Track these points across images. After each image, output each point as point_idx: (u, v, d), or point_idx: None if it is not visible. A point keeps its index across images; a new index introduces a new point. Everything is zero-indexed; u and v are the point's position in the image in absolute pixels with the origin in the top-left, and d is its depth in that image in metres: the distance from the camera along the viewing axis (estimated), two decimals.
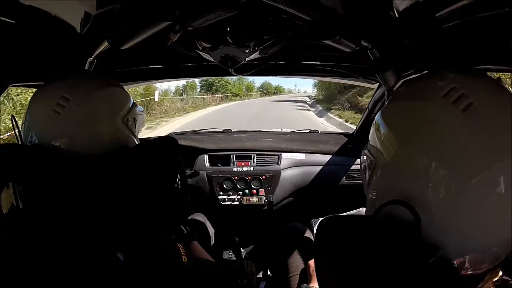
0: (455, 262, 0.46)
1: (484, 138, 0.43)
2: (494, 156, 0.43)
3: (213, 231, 1.30)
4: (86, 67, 1.02)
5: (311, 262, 0.99)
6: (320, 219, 0.60)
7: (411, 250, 0.45)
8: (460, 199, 0.44)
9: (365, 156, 0.59)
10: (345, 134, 1.90)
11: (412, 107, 0.51)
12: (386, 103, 0.60)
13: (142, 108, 0.87)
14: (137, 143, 0.84)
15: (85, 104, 0.71)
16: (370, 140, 0.59)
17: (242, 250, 1.38)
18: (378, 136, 0.55)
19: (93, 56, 0.99)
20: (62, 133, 0.70)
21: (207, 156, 1.62)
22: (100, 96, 0.74)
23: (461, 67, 0.76)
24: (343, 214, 0.82)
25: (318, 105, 15.45)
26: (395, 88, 1.20)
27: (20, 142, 0.73)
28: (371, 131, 0.59)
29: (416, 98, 0.51)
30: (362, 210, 0.95)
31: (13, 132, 0.76)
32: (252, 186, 1.58)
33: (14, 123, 0.74)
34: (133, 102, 0.83)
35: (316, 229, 0.55)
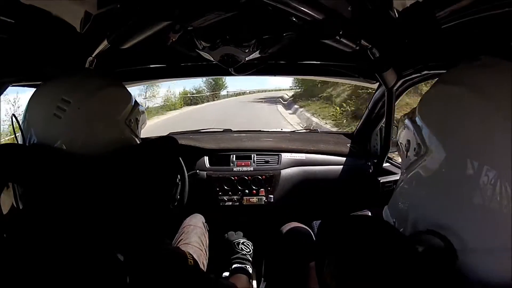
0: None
1: None
2: None
3: (206, 237, 1.30)
4: (86, 67, 1.02)
5: (312, 263, 0.99)
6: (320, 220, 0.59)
7: (425, 257, 0.44)
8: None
9: (411, 132, 0.52)
10: (345, 134, 1.90)
11: (481, 106, 0.42)
12: (438, 80, 0.52)
13: (144, 107, 0.86)
14: (138, 141, 0.83)
15: (86, 107, 0.70)
16: (422, 120, 0.50)
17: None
18: (431, 123, 0.48)
19: (93, 56, 0.99)
20: (63, 136, 0.69)
21: (207, 155, 1.62)
22: (101, 97, 0.73)
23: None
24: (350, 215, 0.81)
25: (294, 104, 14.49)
26: (395, 88, 1.21)
27: (21, 142, 0.72)
28: (422, 106, 0.51)
29: (488, 96, 0.42)
30: (367, 212, 0.95)
31: (13, 133, 0.76)
32: (252, 186, 1.58)
33: (17, 123, 0.73)
34: (135, 101, 0.82)
35: (318, 230, 0.55)
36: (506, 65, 0.45)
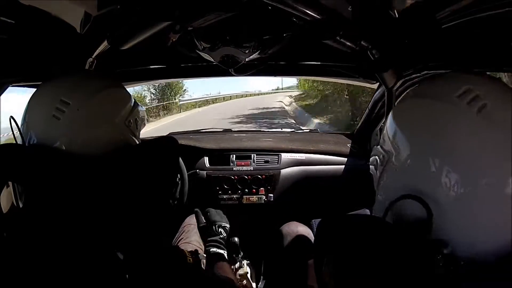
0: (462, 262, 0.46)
1: (497, 139, 0.44)
2: (506, 157, 0.43)
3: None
4: (86, 68, 1.02)
5: (311, 262, 0.99)
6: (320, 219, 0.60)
7: (418, 247, 0.45)
8: (470, 197, 0.45)
9: (377, 152, 0.59)
10: (345, 134, 1.90)
11: (426, 105, 0.51)
12: (398, 100, 0.60)
13: (143, 108, 0.86)
14: (137, 142, 0.83)
15: (85, 108, 0.70)
16: (383, 135, 0.59)
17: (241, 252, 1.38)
18: (390, 132, 0.55)
19: (93, 56, 0.99)
20: (62, 137, 0.68)
21: (207, 155, 1.62)
22: (100, 98, 0.73)
23: (463, 66, 0.77)
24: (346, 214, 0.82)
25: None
26: (395, 88, 1.20)
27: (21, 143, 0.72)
28: (386, 126, 0.59)
29: (430, 97, 0.51)
30: (366, 211, 0.95)
31: (12, 133, 0.75)
32: (252, 186, 1.58)
33: (15, 125, 0.73)
34: (134, 101, 0.82)
35: (317, 229, 0.56)
36: (451, 73, 0.57)
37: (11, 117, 0.74)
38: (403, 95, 0.61)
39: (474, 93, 0.46)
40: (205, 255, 0.98)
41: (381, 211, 0.55)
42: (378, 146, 0.59)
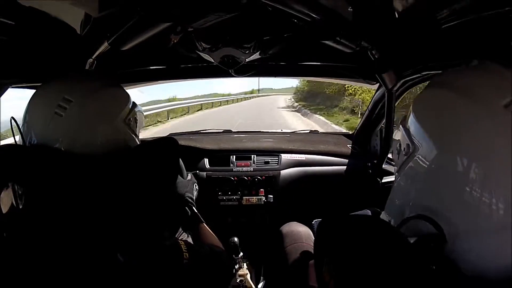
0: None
1: None
2: None
3: None
4: (86, 68, 1.02)
5: (311, 262, 0.99)
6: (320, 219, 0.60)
7: (419, 251, 0.45)
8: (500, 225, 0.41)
9: (403, 137, 0.55)
10: (345, 135, 1.90)
11: (464, 105, 0.45)
12: (428, 84, 0.55)
13: (141, 107, 0.86)
14: (138, 143, 0.83)
15: (87, 106, 0.70)
16: (410, 122, 0.54)
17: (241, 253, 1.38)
18: (418, 122, 0.51)
19: (93, 57, 0.99)
20: (63, 134, 0.69)
21: (207, 156, 1.62)
22: (102, 96, 0.74)
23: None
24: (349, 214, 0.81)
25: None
26: (395, 89, 1.21)
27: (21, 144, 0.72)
28: (412, 110, 0.54)
29: (471, 95, 0.45)
30: (367, 212, 0.95)
31: (12, 135, 0.75)
32: (252, 187, 1.58)
33: (16, 125, 0.73)
34: (133, 102, 0.83)
35: (317, 229, 0.55)
36: (493, 67, 0.48)
37: (12, 117, 0.74)
38: (434, 80, 0.55)
39: None
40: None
41: (394, 216, 0.55)
42: (403, 132, 0.55)
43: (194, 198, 1.06)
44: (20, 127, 0.73)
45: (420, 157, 0.50)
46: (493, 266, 0.43)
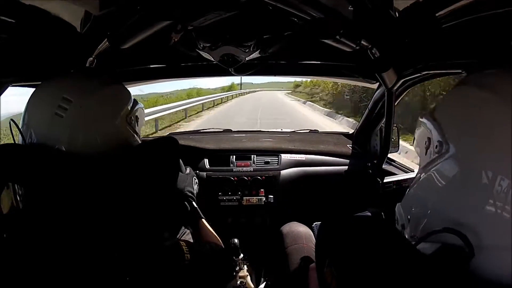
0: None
1: None
2: None
3: None
4: (87, 66, 1.02)
5: (312, 264, 0.99)
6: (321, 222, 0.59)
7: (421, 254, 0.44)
8: None
9: (432, 129, 0.51)
10: (345, 134, 1.90)
11: (505, 111, 0.41)
12: (464, 81, 0.51)
13: (142, 105, 0.86)
14: (139, 141, 0.83)
15: (87, 105, 0.70)
16: (446, 119, 0.50)
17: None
18: (455, 122, 0.48)
19: (93, 56, 0.99)
20: (64, 135, 0.68)
21: (207, 156, 1.62)
22: (102, 95, 0.73)
23: (463, 67, 0.76)
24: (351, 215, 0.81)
25: None
26: (395, 88, 1.21)
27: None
28: (446, 106, 0.51)
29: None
30: (367, 213, 0.95)
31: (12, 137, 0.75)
32: (252, 187, 1.58)
33: (16, 127, 0.72)
34: (134, 100, 0.82)
35: (319, 230, 0.55)
36: None
37: (11, 119, 0.73)
38: (478, 77, 0.50)
39: None
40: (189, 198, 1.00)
41: (410, 215, 0.53)
42: (434, 126, 0.51)
43: (195, 192, 1.05)
44: (20, 127, 0.73)
45: (451, 159, 0.46)
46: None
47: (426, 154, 0.53)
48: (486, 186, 0.41)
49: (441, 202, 0.48)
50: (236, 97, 27.27)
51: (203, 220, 0.98)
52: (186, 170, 1.10)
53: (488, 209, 0.41)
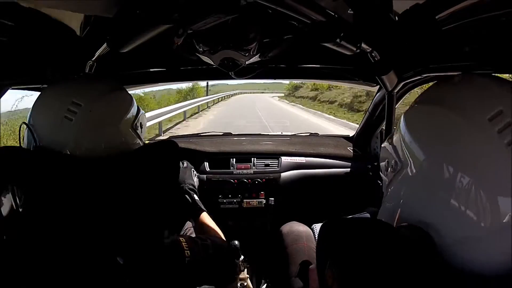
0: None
1: None
2: None
3: None
4: (86, 70, 1.02)
5: (313, 266, 0.98)
6: (321, 223, 0.60)
7: (419, 251, 0.45)
8: (487, 237, 0.43)
9: (388, 155, 0.57)
10: (345, 137, 1.90)
11: (451, 119, 0.47)
12: (418, 100, 0.56)
13: (143, 112, 0.87)
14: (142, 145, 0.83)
15: (96, 110, 0.71)
16: (397, 140, 0.55)
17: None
18: (406, 137, 0.52)
19: (93, 59, 0.99)
20: (73, 138, 0.69)
21: (207, 159, 1.62)
22: (110, 100, 0.74)
23: (463, 69, 0.76)
24: (349, 217, 0.82)
25: None
26: (395, 91, 1.20)
27: (25, 147, 0.72)
28: (400, 126, 0.55)
29: (456, 109, 0.46)
30: (366, 214, 0.94)
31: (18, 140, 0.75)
32: (252, 189, 1.57)
33: (30, 130, 0.72)
34: (137, 106, 0.83)
35: (319, 232, 0.55)
36: (478, 80, 0.51)
37: (24, 122, 0.73)
38: (422, 95, 0.56)
39: (506, 118, 0.42)
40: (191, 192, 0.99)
41: (387, 218, 0.55)
42: (390, 149, 0.56)
43: (196, 184, 1.05)
44: (26, 130, 0.73)
45: (409, 171, 0.51)
46: (483, 270, 0.44)
47: (386, 176, 0.59)
48: (440, 189, 0.46)
49: (405, 209, 0.53)
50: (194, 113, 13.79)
51: (205, 213, 0.98)
52: (184, 164, 1.09)
53: (447, 208, 0.45)
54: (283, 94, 34.14)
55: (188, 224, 1.30)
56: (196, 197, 1.00)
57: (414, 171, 0.50)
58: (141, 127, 0.83)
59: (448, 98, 0.50)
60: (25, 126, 0.72)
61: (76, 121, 0.68)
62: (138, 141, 0.81)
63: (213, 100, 20.42)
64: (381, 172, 0.62)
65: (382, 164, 0.61)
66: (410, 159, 0.51)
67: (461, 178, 0.43)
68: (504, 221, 0.42)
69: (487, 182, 0.43)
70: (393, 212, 0.55)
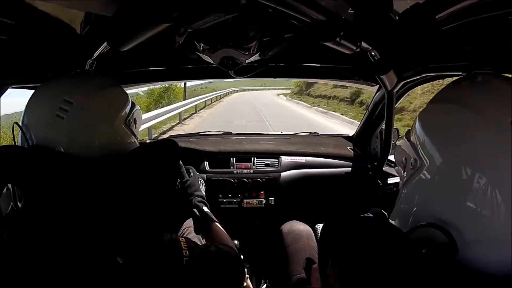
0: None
1: None
2: None
3: None
4: (86, 69, 1.02)
5: (315, 265, 0.98)
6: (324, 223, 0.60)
7: (423, 253, 0.45)
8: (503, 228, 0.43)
9: (408, 151, 0.56)
10: (345, 137, 1.90)
11: (473, 122, 0.47)
12: (437, 98, 0.56)
13: (139, 107, 0.86)
14: (137, 143, 0.83)
15: (88, 106, 0.70)
16: (418, 136, 0.55)
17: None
18: (427, 135, 0.53)
19: (93, 58, 0.99)
20: (65, 136, 0.68)
21: (207, 158, 1.62)
22: (102, 97, 0.73)
23: (463, 69, 0.77)
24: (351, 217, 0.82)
25: None
26: (395, 90, 1.21)
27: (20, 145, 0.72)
28: (416, 127, 0.56)
29: (478, 111, 0.46)
30: (369, 215, 0.95)
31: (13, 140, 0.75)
32: (252, 189, 1.57)
33: (20, 130, 0.72)
34: (132, 102, 0.82)
35: (321, 230, 0.55)
36: (496, 82, 0.51)
37: (16, 122, 0.73)
38: (443, 94, 0.56)
39: None
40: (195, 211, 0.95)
41: (401, 221, 0.56)
42: (408, 147, 0.56)
43: (204, 194, 1.02)
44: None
45: (428, 170, 0.51)
46: (499, 271, 0.44)
47: (404, 172, 0.59)
48: (460, 188, 0.46)
49: (423, 208, 0.52)
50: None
51: (215, 223, 0.95)
52: (190, 172, 1.06)
53: (467, 207, 0.45)
54: (289, 91, 29.06)
55: (187, 224, 1.30)
56: (206, 209, 0.97)
57: (432, 171, 0.50)
58: (135, 123, 0.82)
59: (468, 99, 0.50)
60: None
61: (68, 119, 0.68)
62: (133, 137, 0.81)
63: (205, 101, 15.76)
64: (397, 167, 0.62)
65: (399, 160, 0.60)
66: (430, 158, 0.51)
67: (478, 179, 0.44)
68: None
69: (503, 182, 0.43)
70: (409, 213, 0.55)
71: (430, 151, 0.51)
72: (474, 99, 0.49)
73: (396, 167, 0.63)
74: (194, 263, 0.67)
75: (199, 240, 1.19)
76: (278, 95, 29.01)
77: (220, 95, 22.86)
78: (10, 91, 0.95)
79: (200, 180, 1.07)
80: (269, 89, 40.97)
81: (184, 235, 1.21)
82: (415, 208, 0.54)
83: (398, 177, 1.45)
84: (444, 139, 0.50)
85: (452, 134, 0.49)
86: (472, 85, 0.54)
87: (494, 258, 0.45)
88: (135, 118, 0.81)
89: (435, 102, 0.57)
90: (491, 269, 0.44)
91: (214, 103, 18.70)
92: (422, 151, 0.53)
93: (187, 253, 0.66)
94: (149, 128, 6.75)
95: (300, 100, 20.47)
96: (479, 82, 0.54)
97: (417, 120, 0.57)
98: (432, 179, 0.50)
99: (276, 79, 1.49)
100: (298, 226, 1.22)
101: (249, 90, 38.09)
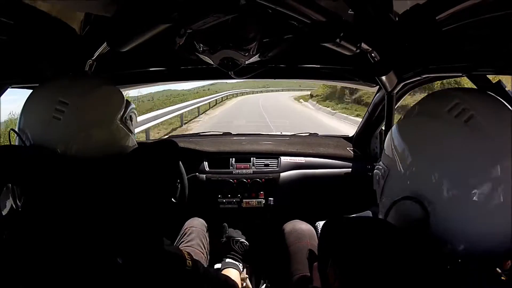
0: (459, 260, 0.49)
1: (484, 145, 0.48)
2: (492, 161, 0.48)
3: (207, 241, 1.29)
4: (86, 69, 1.02)
5: (315, 264, 0.98)
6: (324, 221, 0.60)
7: (419, 247, 0.46)
8: (463, 198, 0.49)
9: (379, 168, 0.63)
10: (345, 137, 1.90)
11: (422, 122, 0.57)
12: (400, 119, 0.65)
13: (134, 105, 0.86)
14: (134, 141, 0.83)
15: (84, 107, 0.70)
16: (384, 152, 0.63)
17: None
18: (392, 148, 0.60)
19: (93, 58, 0.99)
20: (62, 137, 0.68)
21: (206, 158, 1.62)
22: (97, 97, 0.73)
23: (463, 69, 0.77)
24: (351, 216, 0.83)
25: None
26: (395, 91, 1.20)
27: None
28: (385, 144, 0.64)
29: (425, 115, 0.57)
30: (368, 213, 0.95)
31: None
32: (252, 189, 1.57)
33: (17, 136, 0.72)
34: (127, 100, 0.82)
35: (321, 230, 0.56)
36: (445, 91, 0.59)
37: (12, 129, 0.73)
38: (405, 114, 0.65)
39: (461, 106, 0.52)
40: (208, 257, 1.04)
41: (384, 213, 0.56)
42: (380, 163, 0.64)
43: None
44: (17, 130, 0.73)
45: (398, 165, 0.57)
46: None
47: (379, 187, 0.64)
48: (426, 174, 0.52)
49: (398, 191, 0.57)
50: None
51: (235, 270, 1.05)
52: (227, 230, 1.23)
53: (433, 186, 0.51)
54: (307, 93, 21.70)
55: (188, 224, 1.30)
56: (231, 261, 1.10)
57: (400, 167, 0.57)
58: (131, 120, 0.82)
59: (422, 108, 0.60)
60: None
61: (65, 120, 0.68)
62: (130, 134, 0.81)
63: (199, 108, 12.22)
64: (375, 187, 0.67)
65: (375, 182, 0.66)
66: (396, 158, 0.58)
67: (436, 160, 0.52)
68: (472, 192, 0.48)
69: (454, 159, 0.50)
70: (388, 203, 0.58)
71: (399, 153, 0.58)
72: (427, 107, 0.59)
73: (375, 188, 0.67)
74: (196, 274, 0.67)
75: (201, 242, 1.19)
76: (291, 98, 21.64)
77: (209, 102, 15.45)
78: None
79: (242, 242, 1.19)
80: (278, 91, 34.32)
81: (185, 235, 1.22)
82: (393, 196, 0.58)
83: None
84: (410, 142, 0.57)
85: (415, 139, 0.57)
86: (428, 97, 0.62)
87: (461, 233, 0.50)
88: (130, 116, 0.82)
89: (403, 119, 0.65)
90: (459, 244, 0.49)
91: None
92: (391, 157, 0.60)
93: (190, 263, 0.67)
94: (146, 130, 6.47)
95: (346, 109, 12.16)
96: (433, 94, 0.62)
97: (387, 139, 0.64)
98: (401, 173, 0.56)
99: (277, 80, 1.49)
100: (301, 226, 1.22)
101: (253, 93, 32.80)
